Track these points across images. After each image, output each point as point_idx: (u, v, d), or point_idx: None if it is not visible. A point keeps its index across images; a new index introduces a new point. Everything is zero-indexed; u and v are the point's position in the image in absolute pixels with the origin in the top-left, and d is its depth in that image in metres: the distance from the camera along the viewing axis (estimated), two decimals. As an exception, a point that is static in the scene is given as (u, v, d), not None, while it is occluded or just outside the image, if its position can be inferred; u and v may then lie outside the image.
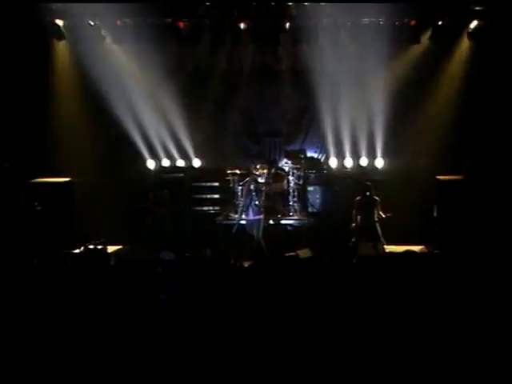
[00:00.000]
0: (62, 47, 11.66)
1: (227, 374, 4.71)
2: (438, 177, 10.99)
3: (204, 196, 12.51)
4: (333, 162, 12.49)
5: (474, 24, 11.01)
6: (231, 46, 11.83)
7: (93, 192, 11.64)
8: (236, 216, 11.42)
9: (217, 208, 12.35)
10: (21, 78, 11.16)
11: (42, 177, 11.24)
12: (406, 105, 11.88)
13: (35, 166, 11.29)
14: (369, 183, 10.67)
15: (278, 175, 11.95)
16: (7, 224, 10.01)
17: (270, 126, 12.83)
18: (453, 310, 5.34)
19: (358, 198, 10.62)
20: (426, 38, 11.33)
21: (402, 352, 4.82)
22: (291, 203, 11.91)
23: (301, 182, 12.12)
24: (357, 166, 12.36)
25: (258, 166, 11.60)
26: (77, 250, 8.54)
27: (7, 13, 10.42)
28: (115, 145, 12.22)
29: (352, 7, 10.92)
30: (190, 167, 12.57)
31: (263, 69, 12.54)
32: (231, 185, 11.91)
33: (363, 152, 12.25)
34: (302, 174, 12.13)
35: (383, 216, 10.30)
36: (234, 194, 11.85)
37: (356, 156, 12.32)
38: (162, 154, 12.44)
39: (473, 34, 11.07)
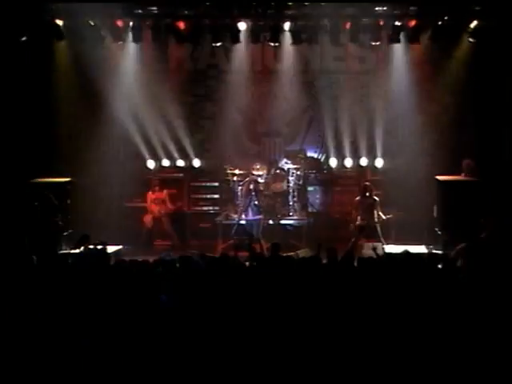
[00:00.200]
0: (62, 47, 11.65)
1: (227, 373, 4.71)
2: (437, 177, 10.98)
3: (204, 196, 12.52)
4: (333, 162, 12.50)
5: (474, 24, 11.00)
6: (231, 46, 11.82)
7: (92, 192, 11.63)
8: (235, 216, 11.42)
9: (216, 208, 12.36)
10: (21, 77, 11.16)
11: (42, 177, 11.23)
12: (406, 105, 11.87)
13: (35, 165, 11.28)
14: (369, 183, 10.66)
15: (278, 175, 11.95)
16: (7, 224, 10.01)
17: (270, 126, 12.83)
18: (453, 310, 5.34)
19: (357, 198, 10.62)
20: (425, 38, 11.31)
21: (402, 352, 4.82)
22: (291, 203, 11.90)
23: (301, 182, 12.11)
24: (357, 165, 12.36)
25: (257, 166, 11.60)
26: (77, 250, 8.51)
27: (7, 13, 10.42)
28: (115, 145, 12.21)
29: (352, 7, 10.93)
30: (189, 167, 12.57)
31: (263, 69, 12.56)
32: (231, 185, 11.90)
33: (363, 152, 12.25)
34: (301, 173, 12.13)
35: (383, 217, 10.30)
36: (234, 193, 11.84)
37: (356, 156, 12.32)
38: (161, 153, 12.43)
39: (473, 34, 11.06)
